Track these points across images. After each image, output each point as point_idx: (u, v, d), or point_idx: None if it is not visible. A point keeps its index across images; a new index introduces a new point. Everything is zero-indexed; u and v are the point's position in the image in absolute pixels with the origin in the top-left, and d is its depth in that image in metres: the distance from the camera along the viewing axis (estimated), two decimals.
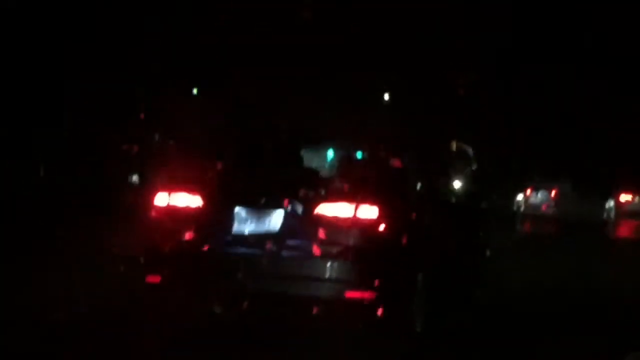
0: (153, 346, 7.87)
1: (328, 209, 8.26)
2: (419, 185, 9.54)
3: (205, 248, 8.32)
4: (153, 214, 8.59)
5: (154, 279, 8.40)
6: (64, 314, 8.88)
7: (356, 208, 8.25)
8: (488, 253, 11.35)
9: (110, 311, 9.15)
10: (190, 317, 8.41)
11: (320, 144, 9.42)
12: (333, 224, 8.20)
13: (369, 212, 8.27)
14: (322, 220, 8.22)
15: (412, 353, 8.50)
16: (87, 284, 10.07)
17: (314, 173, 9.05)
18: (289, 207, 8.32)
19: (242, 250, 8.31)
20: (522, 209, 42.60)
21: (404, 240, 8.48)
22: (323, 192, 8.35)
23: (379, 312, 8.21)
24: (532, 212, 40.58)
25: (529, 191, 43.83)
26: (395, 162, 9.14)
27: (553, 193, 43.63)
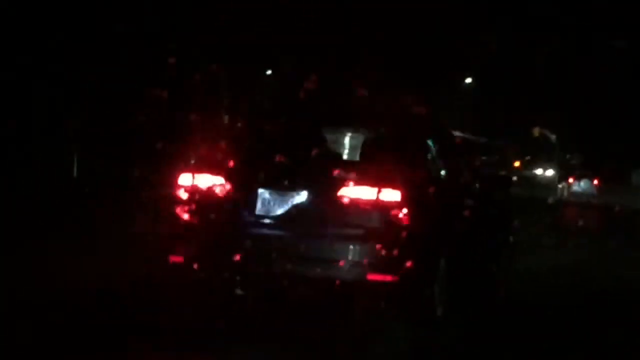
0: (169, 326, 7.92)
1: (351, 192, 8.28)
2: (443, 172, 9.54)
3: (228, 229, 8.37)
4: (177, 194, 8.66)
5: (177, 258, 8.48)
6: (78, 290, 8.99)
7: (379, 191, 8.28)
8: (512, 239, 11.32)
9: (128, 289, 9.20)
10: (211, 298, 8.44)
11: (344, 127, 9.42)
12: (355, 207, 8.23)
13: (391, 195, 8.29)
14: (344, 203, 8.25)
15: (432, 337, 8.53)
16: (108, 262, 10.14)
17: (337, 156, 9.08)
18: (312, 190, 8.37)
19: (265, 231, 8.36)
20: (564, 197, 41.79)
21: (427, 225, 8.49)
22: (346, 175, 8.38)
23: (400, 295, 8.26)
24: (574, 199, 39.71)
25: (571, 179, 43.04)
26: (420, 148, 9.14)
27: (596, 181, 42.71)
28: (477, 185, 10.48)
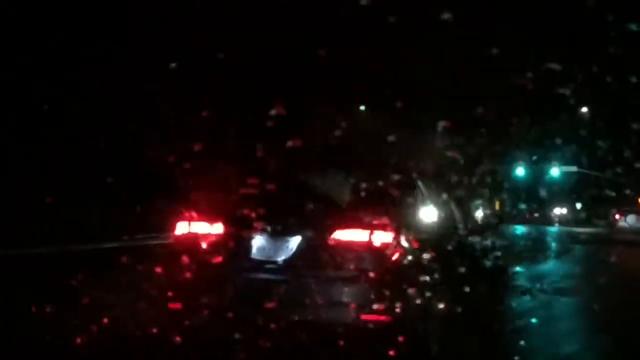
0: None
1: (343, 235, 8.51)
2: (436, 213, 9.76)
3: (224, 276, 8.57)
4: (173, 242, 8.89)
5: (175, 305, 8.68)
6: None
7: (371, 234, 8.51)
8: (507, 274, 11.50)
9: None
10: (210, 343, 8.58)
11: (335, 170, 9.62)
12: (348, 250, 8.45)
13: (383, 237, 8.52)
14: (337, 246, 8.48)
15: None
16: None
17: (329, 199, 9.27)
18: (305, 234, 8.59)
19: (260, 276, 8.57)
20: (610, 234, 38.88)
21: (419, 266, 8.70)
22: (338, 219, 8.60)
23: (395, 335, 8.43)
24: (621, 237, 36.07)
25: (617, 215, 40.52)
26: (410, 191, 9.36)
27: None
28: (468, 225, 10.71)
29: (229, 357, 8.56)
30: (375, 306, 8.30)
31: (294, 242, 8.59)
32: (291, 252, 8.58)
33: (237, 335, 8.51)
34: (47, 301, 9.52)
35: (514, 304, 12.19)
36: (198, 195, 9.20)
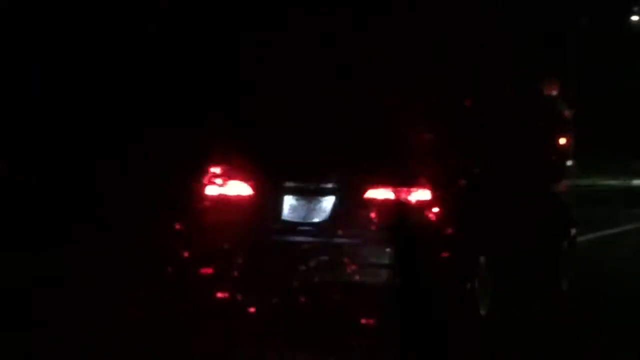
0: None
1: (377, 194, 8.03)
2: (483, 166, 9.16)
3: (256, 237, 8.20)
4: (204, 204, 8.54)
5: (206, 270, 8.36)
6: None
7: (407, 192, 8.01)
8: (572, 232, 10.77)
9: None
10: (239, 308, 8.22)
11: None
12: (383, 209, 7.97)
13: (421, 195, 8.02)
14: (372, 205, 8.00)
15: (476, 337, 8.18)
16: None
17: (361, 155, 8.66)
18: (339, 193, 8.14)
19: (292, 238, 8.17)
20: None
21: (460, 223, 8.17)
22: (373, 176, 8.11)
23: (434, 296, 7.95)
24: None
25: None
26: (452, 140, 8.72)
27: None
28: (526, 174, 10.01)
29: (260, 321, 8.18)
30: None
31: (327, 201, 8.15)
32: (324, 213, 8.14)
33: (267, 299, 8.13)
34: None
35: None
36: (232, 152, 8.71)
